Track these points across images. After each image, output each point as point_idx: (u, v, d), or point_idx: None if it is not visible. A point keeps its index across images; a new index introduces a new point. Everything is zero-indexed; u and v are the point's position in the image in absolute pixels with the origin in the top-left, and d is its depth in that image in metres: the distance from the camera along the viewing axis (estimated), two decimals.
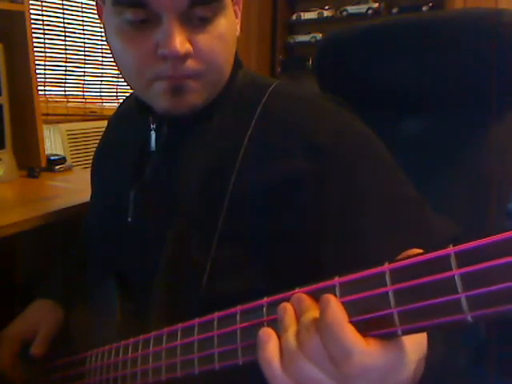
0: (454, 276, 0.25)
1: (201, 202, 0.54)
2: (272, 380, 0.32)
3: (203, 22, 0.49)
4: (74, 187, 1.13)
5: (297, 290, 0.34)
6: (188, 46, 0.49)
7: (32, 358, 0.65)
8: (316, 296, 0.32)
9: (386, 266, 0.28)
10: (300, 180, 0.50)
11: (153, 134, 0.58)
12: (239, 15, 0.57)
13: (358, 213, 0.49)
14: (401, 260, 0.28)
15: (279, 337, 0.32)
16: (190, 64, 0.50)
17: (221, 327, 0.39)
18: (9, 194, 1.07)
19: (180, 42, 0.47)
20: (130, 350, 0.50)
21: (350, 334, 0.28)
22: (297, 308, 0.33)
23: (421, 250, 0.28)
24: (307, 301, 0.32)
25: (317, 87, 0.82)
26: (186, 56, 0.49)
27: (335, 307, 0.29)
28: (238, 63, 0.59)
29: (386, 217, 0.49)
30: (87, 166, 1.84)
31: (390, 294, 0.28)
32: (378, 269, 0.29)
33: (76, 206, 0.89)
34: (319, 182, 0.49)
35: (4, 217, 0.79)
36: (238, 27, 0.57)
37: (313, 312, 0.31)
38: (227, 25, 0.52)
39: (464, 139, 0.68)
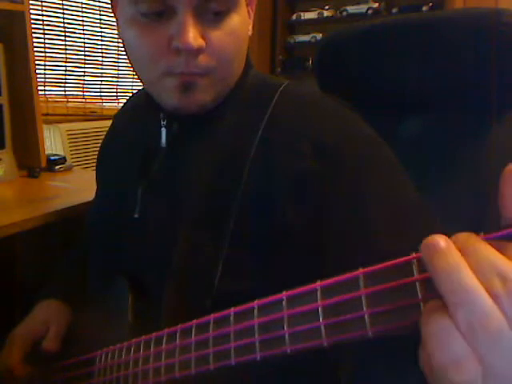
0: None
1: (211, 201, 0.54)
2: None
3: (217, 17, 0.50)
4: (74, 187, 1.13)
5: (318, 284, 0.33)
6: (201, 41, 0.49)
7: (43, 358, 0.64)
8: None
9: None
10: (307, 180, 0.50)
11: (163, 131, 0.58)
12: (252, 16, 0.58)
13: (362, 213, 0.49)
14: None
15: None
16: (202, 60, 0.50)
17: (238, 322, 0.37)
18: (9, 194, 1.07)
19: (193, 36, 0.48)
20: (141, 348, 0.49)
21: None
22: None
23: None
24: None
25: (317, 87, 0.82)
26: (198, 50, 0.49)
27: None
28: (249, 64, 0.59)
29: (389, 217, 0.49)
30: (87, 166, 1.83)
31: None
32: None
33: (76, 206, 0.90)
34: (325, 182, 0.50)
35: (4, 217, 0.79)
36: (251, 27, 0.57)
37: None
38: (240, 22, 0.52)
39: (464, 139, 0.68)
